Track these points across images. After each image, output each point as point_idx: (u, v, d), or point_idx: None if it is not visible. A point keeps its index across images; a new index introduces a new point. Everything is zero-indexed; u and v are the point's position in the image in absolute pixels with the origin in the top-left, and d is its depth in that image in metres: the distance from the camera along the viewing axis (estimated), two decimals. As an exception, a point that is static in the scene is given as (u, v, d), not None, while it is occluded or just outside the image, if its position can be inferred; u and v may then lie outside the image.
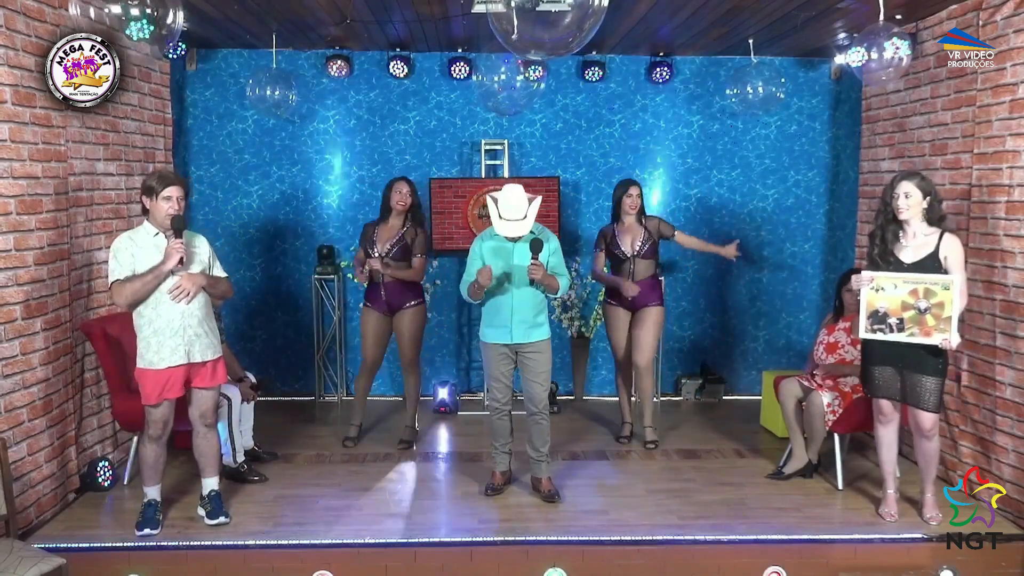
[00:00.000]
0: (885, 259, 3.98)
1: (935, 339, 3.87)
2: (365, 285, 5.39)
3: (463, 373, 6.78)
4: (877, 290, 3.94)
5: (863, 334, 4.02)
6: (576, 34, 3.49)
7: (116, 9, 3.84)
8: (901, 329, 3.93)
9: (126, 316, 4.77)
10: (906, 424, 4.26)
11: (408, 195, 5.18)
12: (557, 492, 4.47)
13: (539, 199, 4.34)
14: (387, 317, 5.28)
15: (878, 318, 3.96)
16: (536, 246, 4.17)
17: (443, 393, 6.26)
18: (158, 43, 4.01)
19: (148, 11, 3.80)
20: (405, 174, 6.43)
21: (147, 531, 3.97)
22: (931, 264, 3.91)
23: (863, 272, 4.00)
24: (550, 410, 6.15)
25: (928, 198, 3.92)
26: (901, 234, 3.99)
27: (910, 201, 3.90)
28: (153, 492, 4.08)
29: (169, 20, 3.90)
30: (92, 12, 3.93)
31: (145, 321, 3.88)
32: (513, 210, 4.22)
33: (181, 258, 3.80)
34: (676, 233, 5.40)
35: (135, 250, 3.85)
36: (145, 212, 3.91)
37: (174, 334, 3.87)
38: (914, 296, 3.89)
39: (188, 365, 3.93)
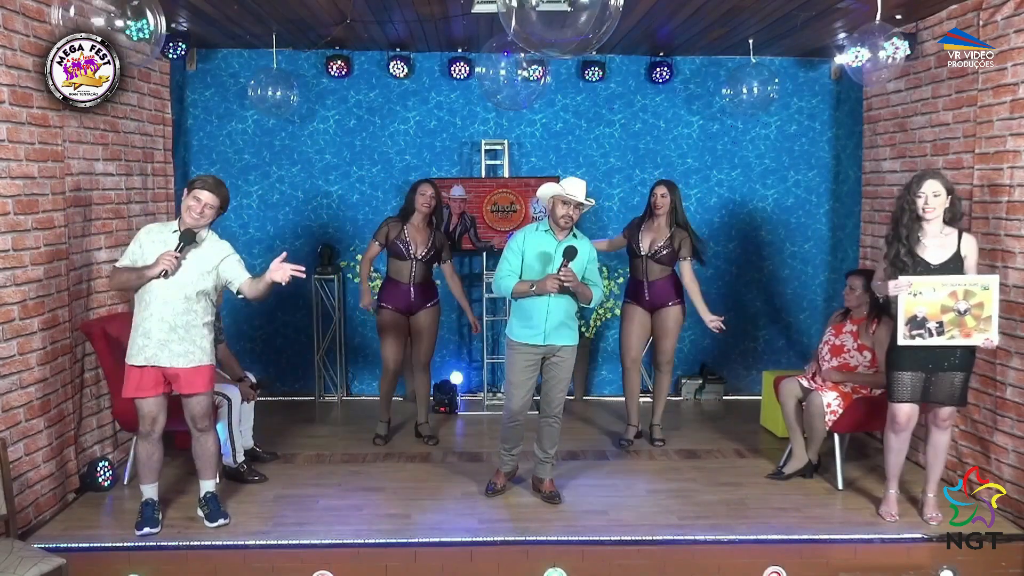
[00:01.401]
0: (913, 260, 3.93)
1: (976, 339, 3.87)
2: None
3: (463, 373, 6.77)
4: (915, 295, 3.89)
5: (902, 341, 3.93)
6: (595, 33, 3.46)
7: (100, 21, 3.85)
8: (941, 332, 3.88)
9: (126, 316, 4.78)
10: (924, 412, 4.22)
11: (432, 198, 5.19)
12: (558, 494, 4.47)
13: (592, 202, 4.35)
14: (404, 317, 5.29)
15: (917, 323, 3.90)
16: (570, 252, 4.12)
17: (456, 378, 6.44)
18: (155, 45, 4.02)
19: (129, 20, 3.81)
20: (405, 174, 6.47)
21: (147, 530, 3.97)
22: (955, 264, 3.90)
23: (901, 278, 3.89)
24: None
25: (950, 196, 3.92)
26: (921, 234, 3.97)
27: (939, 200, 3.88)
28: (150, 491, 4.07)
29: (152, 27, 3.91)
30: (73, 10, 3.92)
31: (136, 316, 3.94)
32: (575, 188, 4.19)
33: (166, 271, 3.79)
34: (684, 262, 5.22)
35: (146, 240, 3.91)
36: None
37: (145, 334, 3.88)
38: (953, 298, 3.85)
39: (157, 368, 3.90)
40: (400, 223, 5.23)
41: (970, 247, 3.94)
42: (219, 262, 3.96)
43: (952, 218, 3.95)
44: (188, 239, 3.83)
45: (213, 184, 3.90)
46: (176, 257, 3.79)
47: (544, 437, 4.46)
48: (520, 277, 4.25)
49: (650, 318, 5.37)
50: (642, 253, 5.25)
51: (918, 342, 3.92)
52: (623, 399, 5.72)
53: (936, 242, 3.95)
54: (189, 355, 3.92)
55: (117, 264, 3.97)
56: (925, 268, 3.92)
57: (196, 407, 4.03)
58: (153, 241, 3.89)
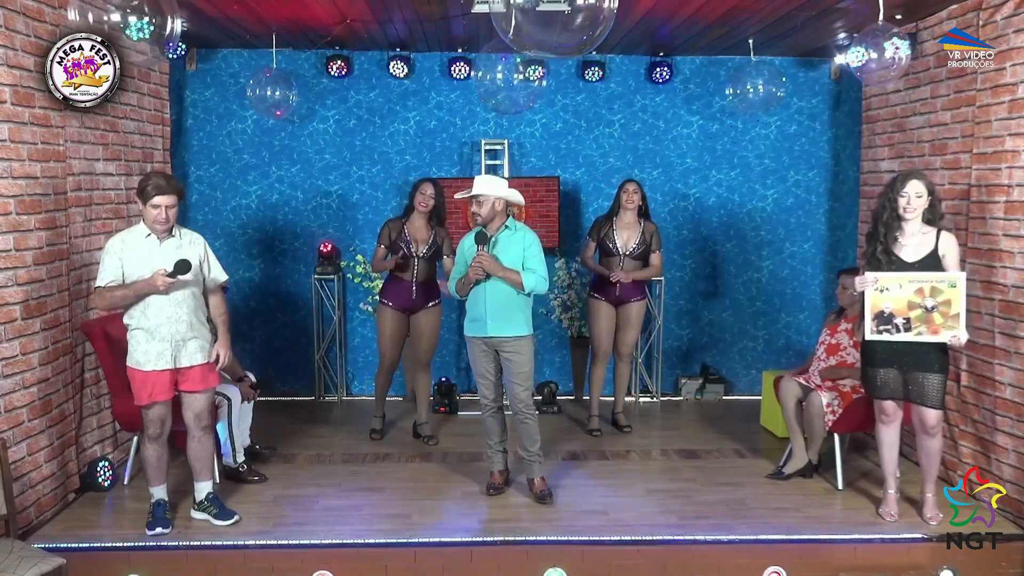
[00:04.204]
0: (888, 258, 3.97)
1: (943, 336, 3.88)
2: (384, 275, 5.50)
3: (463, 373, 6.78)
4: (882, 291, 3.92)
5: (869, 336, 3.99)
6: (589, 37, 3.48)
7: (115, 16, 3.85)
8: (908, 329, 3.92)
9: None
10: (908, 424, 4.26)
11: (431, 197, 5.23)
12: (550, 493, 4.47)
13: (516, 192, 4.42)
14: (405, 316, 5.33)
15: (884, 319, 3.94)
16: (480, 238, 4.27)
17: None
18: (157, 44, 4.02)
19: (146, 19, 3.81)
20: (405, 174, 6.48)
21: (159, 530, 3.97)
22: (932, 262, 3.93)
23: (867, 273, 3.95)
24: (551, 410, 6.24)
25: (931, 197, 3.94)
26: (899, 233, 3.99)
27: (921, 201, 3.91)
28: (160, 492, 4.08)
29: (167, 29, 3.91)
30: (91, 17, 3.93)
31: (134, 321, 3.88)
32: (483, 184, 4.28)
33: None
34: (655, 253, 5.53)
35: (125, 252, 3.81)
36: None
37: (161, 339, 3.85)
38: (920, 295, 3.88)
39: (173, 371, 3.90)
40: (400, 223, 5.29)
41: (948, 246, 3.95)
42: (204, 253, 4.04)
43: (931, 218, 3.97)
44: (184, 270, 3.76)
45: (167, 185, 3.79)
46: (172, 283, 3.76)
47: (522, 435, 4.49)
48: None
49: (615, 312, 5.60)
50: (620, 252, 5.45)
51: (885, 337, 3.95)
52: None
53: (914, 241, 3.97)
54: (204, 350, 3.99)
55: (100, 284, 3.81)
56: (901, 266, 3.95)
57: (201, 403, 4.04)
58: (133, 248, 3.82)
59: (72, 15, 3.95)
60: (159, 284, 3.74)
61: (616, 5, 3.44)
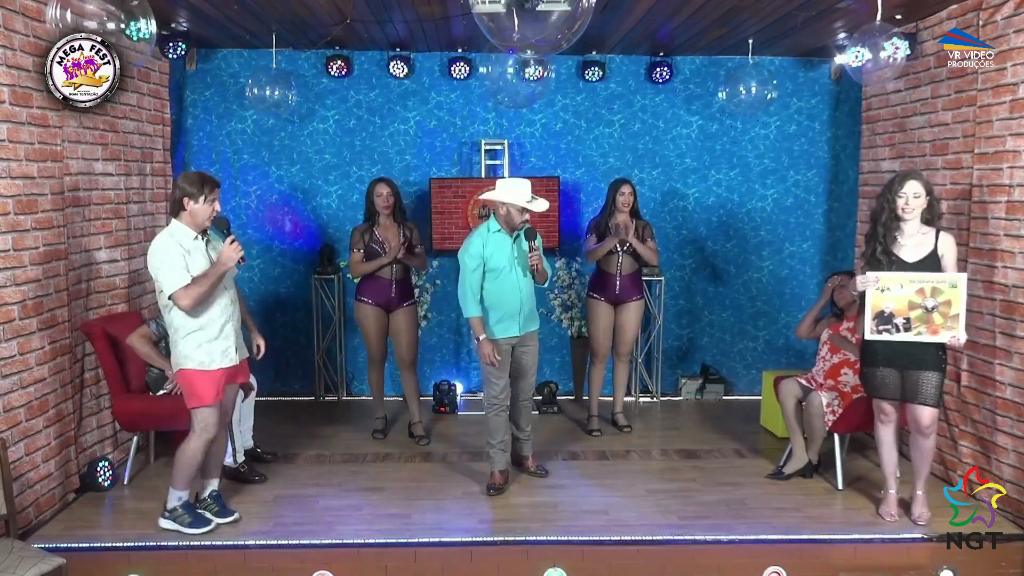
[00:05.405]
0: (888, 259, 3.97)
1: (943, 336, 3.89)
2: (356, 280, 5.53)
3: (463, 373, 6.77)
4: (883, 290, 3.93)
5: (868, 336, 3.99)
6: (566, 33, 3.55)
7: (92, 23, 3.88)
8: (908, 329, 3.92)
9: (126, 316, 4.79)
10: (904, 424, 4.26)
11: (389, 196, 5.27)
12: (543, 466, 4.76)
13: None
14: (383, 312, 5.38)
15: (884, 319, 3.94)
16: (531, 234, 4.41)
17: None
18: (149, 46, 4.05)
19: (121, 24, 3.84)
20: (405, 174, 6.47)
21: (206, 527, 3.99)
22: (932, 262, 3.93)
23: (868, 273, 3.95)
24: (551, 410, 6.26)
25: (929, 197, 3.94)
26: (898, 233, 3.99)
27: (919, 201, 3.91)
28: (186, 495, 4.03)
29: (143, 29, 3.94)
30: (70, 18, 3.93)
31: (195, 324, 3.78)
32: (527, 191, 4.42)
33: (243, 256, 3.81)
34: (650, 240, 5.56)
35: (185, 252, 3.75)
36: (176, 214, 3.79)
37: (225, 337, 3.88)
38: (921, 295, 3.88)
39: (232, 367, 3.95)
40: (369, 226, 5.32)
41: (947, 246, 3.96)
42: None
43: (930, 218, 3.98)
44: (227, 225, 3.94)
45: (215, 180, 3.85)
46: (238, 242, 3.79)
47: (521, 417, 4.75)
48: (482, 280, 4.43)
49: (614, 311, 5.64)
50: (617, 249, 5.49)
51: (884, 337, 3.95)
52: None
53: (913, 241, 3.97)
54: (247, 343, 4.13)
55: (182, 284, 3.67)
56: (901, 266, 3.95)
57: (234, 396, 4.16)
58: (189, 250, 3.76)
59: (52, 15, 3.93)
60: (235, 254, 3.75)
61: (593, 3, 3.50)
